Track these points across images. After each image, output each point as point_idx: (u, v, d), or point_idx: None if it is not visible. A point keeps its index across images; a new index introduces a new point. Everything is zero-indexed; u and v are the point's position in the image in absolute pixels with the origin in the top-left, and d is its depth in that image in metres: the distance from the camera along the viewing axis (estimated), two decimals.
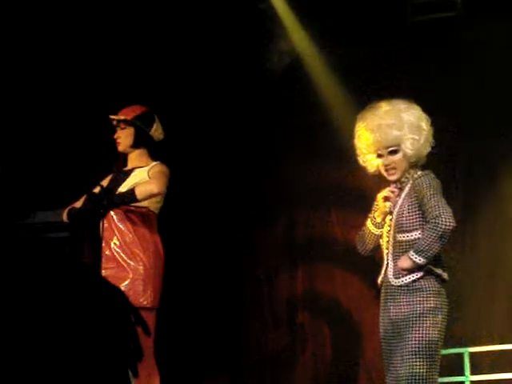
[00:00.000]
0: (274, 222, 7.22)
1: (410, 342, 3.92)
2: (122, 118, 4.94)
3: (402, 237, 4.14)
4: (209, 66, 6.86)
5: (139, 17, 6.39)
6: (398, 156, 4.23)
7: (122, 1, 6.36)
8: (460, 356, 5.88)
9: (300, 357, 7.00)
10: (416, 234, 4.09)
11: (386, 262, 4.21)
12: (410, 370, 3.86)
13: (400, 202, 4.22)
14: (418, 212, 4.12)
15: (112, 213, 4.69)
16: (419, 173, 4.24)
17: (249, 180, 7.20)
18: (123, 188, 4.78)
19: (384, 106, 4.30)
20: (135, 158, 4.96)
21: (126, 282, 4.56)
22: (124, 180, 4.86)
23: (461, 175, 6.67)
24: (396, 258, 4.11)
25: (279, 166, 7.13)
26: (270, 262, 7.16)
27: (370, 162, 4.34)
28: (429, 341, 3.89)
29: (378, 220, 4.29)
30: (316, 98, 6.96)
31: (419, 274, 4.02)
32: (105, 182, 4.83)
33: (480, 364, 6.02)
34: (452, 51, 6.65)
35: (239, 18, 6.68)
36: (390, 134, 4.21)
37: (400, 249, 4.13)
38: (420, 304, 3.98)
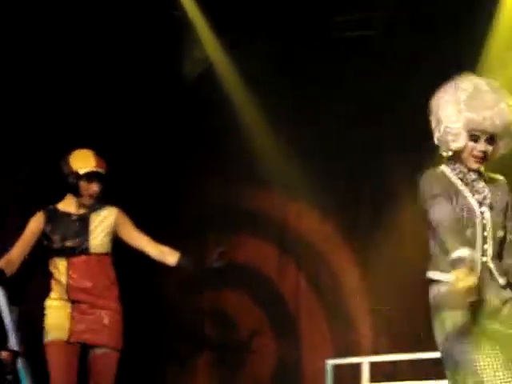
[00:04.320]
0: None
1: None
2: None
3: (500, 233, 3.53)
4: (124, 72, 6.87)
5: (56, 22, 6.36)
6: (492, 147, 3.51)
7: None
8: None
9: None
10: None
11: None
12: None
13: (494, 196, 3.55)
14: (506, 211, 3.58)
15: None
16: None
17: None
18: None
19: (489, 82, 3.54)
20: None
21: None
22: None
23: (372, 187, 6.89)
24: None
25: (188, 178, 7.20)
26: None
27: (461, 137, 3.49)
28: None
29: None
30: (228, 103, 7.04)
31: None
32: None
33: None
34: (373, 66, 6.83)
35: (154, 24, 6.71)
36: (505, 117, 3.46)
37: (500, 246, 3.53)
38: None
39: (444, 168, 3.57)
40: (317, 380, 6.46)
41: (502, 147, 3.54)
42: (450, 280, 3.23)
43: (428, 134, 6.39)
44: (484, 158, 3.50)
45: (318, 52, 6.91)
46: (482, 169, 3.55)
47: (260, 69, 6.89)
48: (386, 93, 6.76)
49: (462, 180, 3.53)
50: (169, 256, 4.74)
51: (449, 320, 3.37)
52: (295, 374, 7.03)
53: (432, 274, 3.48)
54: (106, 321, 4.62)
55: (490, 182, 3.58)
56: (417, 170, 6.48)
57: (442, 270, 3.42)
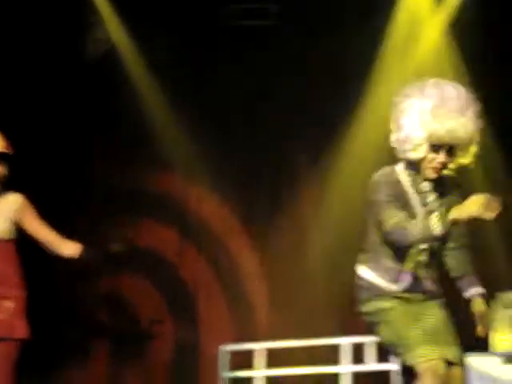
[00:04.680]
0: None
1: None
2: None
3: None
4: (27, 51, 6.73)
5: None
6: (451, 158, 3.46)
7: None
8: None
9: None
10: None
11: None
12: None
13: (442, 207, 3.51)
14: None
15: None
16: None
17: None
18: None
19: (456, 88, 3.46)
20: None
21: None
22: None
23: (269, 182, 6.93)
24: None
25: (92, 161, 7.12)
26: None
27: (421, 147, 3.42)
28: None
29: None
30: (129, 86, 6.98)
31: None
32: None
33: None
34: (267, 54, 6.85)
35: (58, 4, 6.58)
36: (469, 127, 3.39)
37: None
38: None
39: (399, 171, 3.50)
40: (214, 365, 6.45)
41: (462, 157, 3.45)
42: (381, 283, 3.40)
43: (325, 119, 6.45)
44: (442, 168, 3.44)
45: (214, 38, 6.90)
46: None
47: (161, 53, 6.87)
48: (282, 80, 6.80)
49: (414, 188, 3.48)
50: (67, 249, 4.64)
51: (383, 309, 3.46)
52: (193, 359, 7.02)
53: (364, 272, 3.51)
54: (7, 309, 4.50)
55: (443, 189, 3.51)
56: (316, 154, 6.67)
57: (372, 269, 3.48)
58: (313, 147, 6.87)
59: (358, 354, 5.74)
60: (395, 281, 3.46)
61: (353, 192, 6.38)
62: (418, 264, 3.45)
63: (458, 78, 6.22)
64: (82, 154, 7.17)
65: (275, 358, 6.19)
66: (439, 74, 6.34)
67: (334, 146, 6.76)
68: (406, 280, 3.46)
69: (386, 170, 3.51)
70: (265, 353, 6.07)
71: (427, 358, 3.32)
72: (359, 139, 6.71)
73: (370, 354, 5.64)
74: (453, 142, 3.39)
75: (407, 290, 3.46)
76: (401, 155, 3.49)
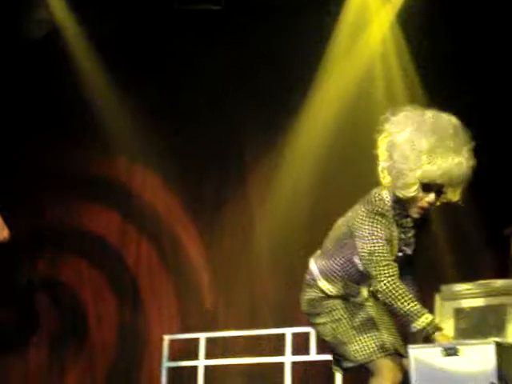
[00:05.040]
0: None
1: None
2: None
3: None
4: None
5: None
6: (440, 198, 3.43)
7: None
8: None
9: None
10: None
11: None
12: None
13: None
14: None
15: None
16: None
17: None
18: None
19: (453, 124, 3.40)
20: None
21: None
22: None
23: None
24: None
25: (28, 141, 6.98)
26: None
27: (413, 187, 3.37)
28: None
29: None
30: (71, 68, 6.85)
31: None
32: None
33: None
34: (216, 39, 6.77)
35: None
36: (464, 167, 3.35)
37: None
38: None
39: (388, 202, 3.40)
40: (157, 353, 6.39)
41: (451, 194, 3.40)
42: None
43: (280, 110, 6.36)
44: (429, 208, 3.38)
45: (161, 21, 6.81)
46: None
47: (107, 33, 6.75)
48: (233, 67, 6.75)
49: (397, 222, 3.41)
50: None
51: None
52: (136, 346, 6.94)
53: (322, 284, 3.53)
54: None
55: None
56: (267, 147, 6.63)
57: (334, 284, 3.50)
58: (265, 138, 6.84)
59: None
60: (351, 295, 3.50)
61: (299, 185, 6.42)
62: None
63: (406, 75, 6.31)
64: (23, 134, 7.04)
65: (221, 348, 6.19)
66: (386, 68, 6.46)
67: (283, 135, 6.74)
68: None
69: (379, 197, 3.39)
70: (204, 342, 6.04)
71: (384, 353, 3.33)
72: (306, 133, 6.70)
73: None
74: (446, 183, 3.32)
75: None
76: (387, 186, 3.40)
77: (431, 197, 3.33)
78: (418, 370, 3.39)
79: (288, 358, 5.79)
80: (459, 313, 4.89)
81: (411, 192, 3.32)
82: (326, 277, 3.50)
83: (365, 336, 3.41)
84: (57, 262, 7.12)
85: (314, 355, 5.64)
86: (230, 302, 6.77)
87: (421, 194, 3.33)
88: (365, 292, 3.50)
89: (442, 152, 3.26)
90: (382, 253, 3.33)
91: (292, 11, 6.50)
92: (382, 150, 3.39)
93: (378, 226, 3.34)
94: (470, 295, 4.88)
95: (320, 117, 6.58)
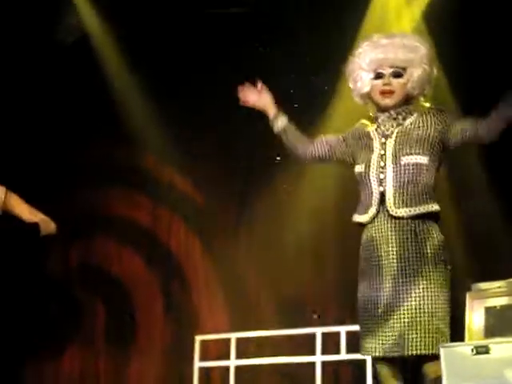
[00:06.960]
0: None
1: None
2: None
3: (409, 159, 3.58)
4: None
5: None
6: (401, 81, 3.62)
7: None
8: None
9: None
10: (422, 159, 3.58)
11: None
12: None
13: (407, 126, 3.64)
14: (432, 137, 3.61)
15: None
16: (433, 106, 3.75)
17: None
18: None
19: (400, 33, 3.87)
20: None
21: None
22: None
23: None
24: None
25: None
26: None
27: (364, 80, 3.66)
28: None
29: None
30: (103, 75, 6.95)
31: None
32: None
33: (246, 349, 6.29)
34: (244, 41, 6.84)
35: None
36: (402, 53, 3.61)
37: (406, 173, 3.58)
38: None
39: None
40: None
41: (415, 80, 3.62)
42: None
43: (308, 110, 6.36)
44: (391, 91, 3.61)
45: (192, 26, 6.88)
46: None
47: (135, 38, 6.84)
48: (259, 67, 6.77)
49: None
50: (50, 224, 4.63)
51: None
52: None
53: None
54: None
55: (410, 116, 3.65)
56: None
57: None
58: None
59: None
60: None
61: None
62: None
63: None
64: (58, 137, 7.20)
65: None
66: None
67: None
68: None
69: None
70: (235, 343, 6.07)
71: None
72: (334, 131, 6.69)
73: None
74: (388, 63, 3.60)
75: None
76: (362, 102, 3.76)
77: (385, 79, 3.62)
78: (448, 368, 3.40)
79: (318, 358, 5.82)
80: (489, 311, 4.88)
81: (366, 84, 3.67)
82: None
83: None
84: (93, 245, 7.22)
85: (344, 354, 5.67)
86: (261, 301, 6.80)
87: (376, 82, 3.64)
88: None
89: (376, 42, 3.65)
90: None
91: (321, 9, 6.55)
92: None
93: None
94: (500, 293, 4.87)
95: (348, 113, 6.59)
